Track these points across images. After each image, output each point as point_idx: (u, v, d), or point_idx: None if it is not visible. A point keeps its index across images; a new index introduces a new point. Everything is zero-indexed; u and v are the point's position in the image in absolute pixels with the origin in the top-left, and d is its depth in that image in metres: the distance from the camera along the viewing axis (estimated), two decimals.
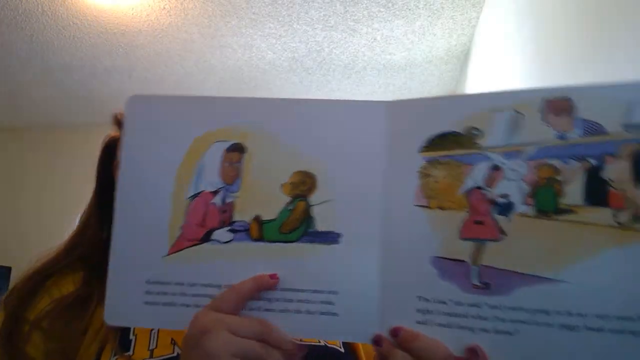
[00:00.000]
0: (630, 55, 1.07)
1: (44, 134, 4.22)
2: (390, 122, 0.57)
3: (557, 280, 0.50)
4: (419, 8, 2.45)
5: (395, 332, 0.53)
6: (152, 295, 0.56)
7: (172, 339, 0.64)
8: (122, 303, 0.57)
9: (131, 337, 0.64)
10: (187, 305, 0.55)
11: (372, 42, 2.76)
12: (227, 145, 0.58)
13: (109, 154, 0.82)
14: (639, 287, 0.47)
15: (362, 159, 0.58)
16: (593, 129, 0.50)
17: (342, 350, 0.68)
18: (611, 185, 0.49)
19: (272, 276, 0.55)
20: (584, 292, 0.49)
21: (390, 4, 2.40)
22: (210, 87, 3.21)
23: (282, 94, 3.40)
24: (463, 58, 2.96)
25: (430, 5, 2.44)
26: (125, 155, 0.59)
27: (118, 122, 0.80)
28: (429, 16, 2.55)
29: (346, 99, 0.64)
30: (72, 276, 0.71)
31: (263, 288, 0.55)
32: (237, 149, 0.58)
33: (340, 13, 2.40)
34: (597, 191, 0.50)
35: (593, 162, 0.50)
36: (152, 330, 0.64)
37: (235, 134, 0.58)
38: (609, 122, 0.50)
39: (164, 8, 2.28)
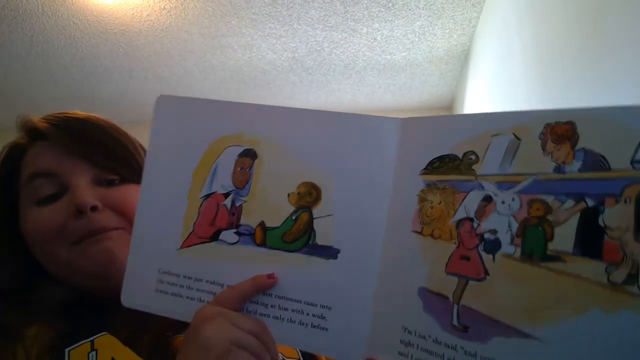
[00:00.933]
0: (631, 54, 1.04)
1: None
2: (400, 140, 0.55)
3: (535, 338, 0.43)
4: (419, 8, 2.22)
5: None
6: (163, 284, 0.61)
7: (112, 358, 0.60)
8: (137, 287, 0.62)
9: None
10: (192, 299, 0.59)
11: (372, 42, 2.55)
12: (240, 150, 0.61)
13: (12, 165, 0.69)
14: None
15: (369, 177, 0.56)
16: (595, 162, 0.42)
17: None
18: (607, 234, 0.41)
19: (270, 276, 0.57)
20: (562, 358, 0.42)
21: (390, 4, 2.19)
22: (210, 86, 3.11)
23: (282, 94, 3.22)
24: (463, 58, 2.82)
25: (430, 5, 2.22)
26: (150, 151, 0.64)
27: (27, 129, 0.69)
28: (429, 16, 2.32)
29: (360, 113, 0.61)
30: None
31: (261, 288, 0.57)
32: (249, 155, 0.61)
33: (341, 13, 2.23)
34: (591, 239, 0.42)
35: (590, 202, 0.42)
36: (89, 353, 0.59)
37: (248, 140, 0.61)
38: (615, 156, 0.42)
39: (164, 8, 2.24)
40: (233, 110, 0.63)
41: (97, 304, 0.65)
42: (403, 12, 2.31)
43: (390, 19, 2.37)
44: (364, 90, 3.26)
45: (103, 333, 0.61)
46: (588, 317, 0.42)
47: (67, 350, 0.59)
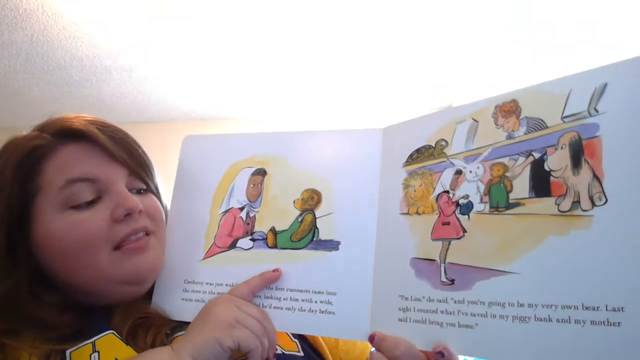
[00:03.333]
0: None
1: None
2: (384, 144, 0.67)
3: (510, 272, 0.52)
4: None
5: (371, 338, 0.60)
6: (188, 293, 0.70)
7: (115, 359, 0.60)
8: (165, 297, 0.70)
9: None
10: None
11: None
12: (252, 170, 0.73)
13: (31, 166, 0.65)
14: (578, 274, 0.48)
15: (359, 178, 0.67)
16: (535, 124, 0.54)
17: (302, 354, 0.68)
18: (552, 175, 0.51)
19: (275, 270, 0.66)
20: (533, 282, 0.51)
21: None
22: (209, 87, 3.03)
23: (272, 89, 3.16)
24: None
25: None
26: (178, 181, 0.76)
27: (63, 128, 0.67)
28: None
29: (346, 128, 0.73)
30: None
31: (268, 281, 0.65)
32: (260, 173, 0.72)
33: None
34: (541, 182, 0.52)
35: (536, 155, 0.53)
36: (91, 354, 0.59)
37: (258, 161, 0.73)
38: (549, 117, 0.53)
39: (165, 8, 2.22)
40: (244, 139, 0.76)
41: (94, 309, 0.66)
42: None
43: None
44: None
45: (105, 333, 0.62)
46: (547, 244, 0.51)
47: (68, 352, 0.59)
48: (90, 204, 0.64)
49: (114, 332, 0.62)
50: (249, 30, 2.40)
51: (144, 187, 0.71)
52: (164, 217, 0.73)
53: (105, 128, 0.68)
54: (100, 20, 2.33)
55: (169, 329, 0.65)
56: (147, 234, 0.68)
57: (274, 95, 3.14)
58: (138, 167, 0.69)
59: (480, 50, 2.45)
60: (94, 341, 0.60)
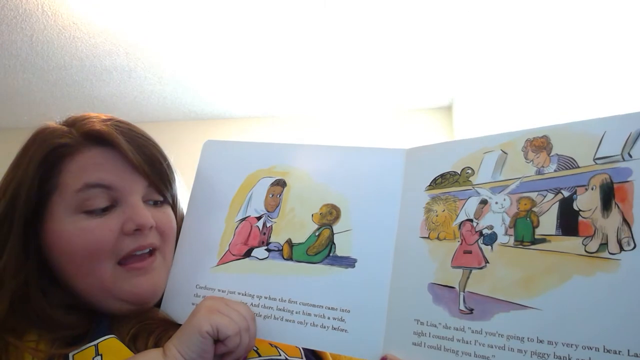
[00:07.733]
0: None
1: None
2: (406, 166, 0.67)
3: (531, 307, 0.53)
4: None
5: None
6: (198, 298, 0.69)
7: None
8: (175, 300, 0.70)
9: None
10: None
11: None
12: (271, 180, 0.73)
13: (52, 164, 0.65)
14: (601, 316, 0.49)
15: (380, 197, 0.67)
16: (567, 163, 0.54)
17: None
18: (581, 215, 0.52)
19: None
20: (555, 319, 0.51)
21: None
22: (209, 87, 3.08)
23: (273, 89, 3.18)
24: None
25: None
26: (195, 186, 0.76)
27: (87, 132, 0.67)
28: None
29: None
30: None
31: None
32: (279, 184, 0.72)
33: None
34: (569, 221, 0.53)
35: (566, 193, 0.53)
36: (94, 357, 0.59)
37: (278, 172, 0.73)
38: (581, 156, 0.54)
39: (165, 8, 2.25)
40: (265, 148, 0.75)
41: (98, 312, 0.66)
42: None
43: None
44: None
45: (108, 336, 0.61)
46: (572, 283, 0.51)
47: (71, 355, 0.59)
48: (104, 211, 0.65)
49: (115, 336, 0.62)
50: (249, 31, 2.41)
51: (161, 199, 0.71)
52: (175, 232, 0.73)
53: (132, 136, 0.68)
54: (100, 20, 2.34)
55: (173, 332, 0.64)
56: (154, 251, 0.68)
57: (274, 95, 3.14)
58: (158, 179, 0.69)
59: (480, 50, 2.47)
60: (97, 344, 0.60)
